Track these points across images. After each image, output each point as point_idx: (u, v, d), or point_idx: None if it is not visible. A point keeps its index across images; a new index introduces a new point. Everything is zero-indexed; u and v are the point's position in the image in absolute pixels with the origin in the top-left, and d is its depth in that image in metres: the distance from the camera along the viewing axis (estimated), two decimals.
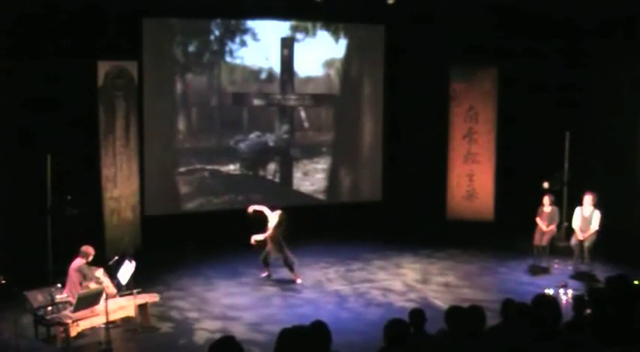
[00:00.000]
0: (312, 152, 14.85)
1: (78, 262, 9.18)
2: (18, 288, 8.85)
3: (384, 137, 15.10)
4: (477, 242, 13.47)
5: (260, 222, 11.35)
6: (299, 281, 11.24)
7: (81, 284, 9.09)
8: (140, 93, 12.68)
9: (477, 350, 5.46)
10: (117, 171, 12.29)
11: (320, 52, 14.48)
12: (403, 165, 14.82)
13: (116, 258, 9.58)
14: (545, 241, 12.06)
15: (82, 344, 8.75)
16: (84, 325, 8.76)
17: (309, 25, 14.35)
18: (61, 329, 8.62)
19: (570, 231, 12.07)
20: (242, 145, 14.22)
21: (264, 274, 11.49)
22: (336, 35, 14.59)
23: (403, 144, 14.83)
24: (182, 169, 13.77)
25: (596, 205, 11.70)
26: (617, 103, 13.57)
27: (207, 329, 9.37)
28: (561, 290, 10.54)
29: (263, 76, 14.24)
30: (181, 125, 13.76)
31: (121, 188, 12.36)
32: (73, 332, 8.61)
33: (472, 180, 14.82)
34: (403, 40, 14.45)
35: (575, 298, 6.72)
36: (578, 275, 11.53)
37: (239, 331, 9.08)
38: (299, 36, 14.32)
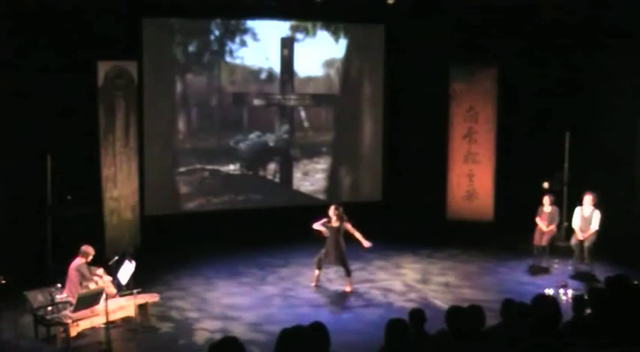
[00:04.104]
0: (312, 152, 14.85)
1: (77, 262, 9.18)
2: (18, 288, 8.85)
3: (384, 137, 15.11)
4: (477, 242, 13.47)
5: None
6: (348, 289, 10.95)
7: (81, 284, 9.09)
8: (140, 93, 12.68)
9: (477, 350, 5.46)
10: (117, 171, 12.29)
11: (320, 52, 14.48)
12: (403, 165, 14.83)
13: (116, 258, 9.59)
14: (545, 241, 12.06)
15: (82, 344, 8.75)
16: (84, 325, 8.77)
17: (309, 25, 14.35)
18: (61, 329, 8.63)
19: (570, 231, 12.07)
20: (242, 145, 14.22)
21: (313, 283, 11.11)
22: (336, 35, 14.59)
23: (403, 144, 14.83)
24: (182, 169, 13.77)
25: (596, 205, 11.70)
26: (617, 103, 13.56)
27: (207, 329, 9.37)
28: (561, 290, 10.53)
29: (263, 76, 14.24)
30: (181, 125, 13.76)
31: (121, 188, 12.36)
32: (73, 332, 8.61)
33: (472, 180, 14.82)
34: (403, 40, 14.45)
35: (575, 298, 6.72)
36: (578, 275, 11.53)
37: (239, 331, 9.08)
38: (299, 36, 14.33)
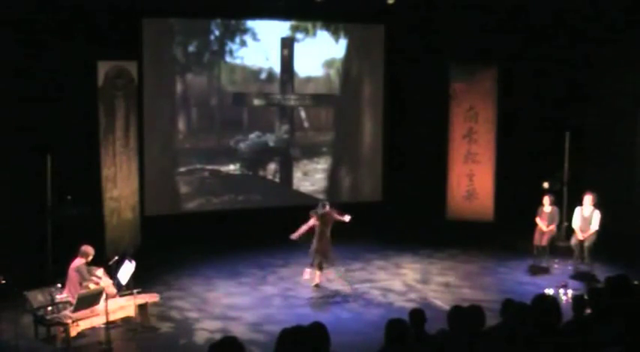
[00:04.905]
0: (312, 152, 14.85)
1: (77, 262, 9.17)
2: (18, 288, 8.85)
3: (384, 137, 15.10)
4: (477, 242, 13.47)
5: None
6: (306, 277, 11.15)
7: (80, 284, 9.09)
8: (140, 93, 12.68)
9: (477, 350, 5.46)
10: (117, 171, 12.28)
11: (320, 52, 14.49)
12: (403, 165, 14.82)
13: (116, 258, 9.58)
14: (545, 241, 12.06)
15: (82, 344, 8.75)
16: (84, 325, 8.77)
17: (309, 25, 14.36)
18: (61, 329, 8.63)
19: (570, 231, 12.07)
20: (242, 145, 14.22)
21: (313, 283, 11.14)
22: (336, 35, 14.60)
23: (403, 144, 14.83)
24: (182, 169, 13.77)
25: (596, 205, 11.70)
26: (617, 103, 13.57)
27: (207, 329, 9.38)
28: (561, 290, 10.54)
29: (263, 76, 14.24)
30: (181, 125, 13.76)
31: (121, 188, 12.35)
32: (73, 332, 8.61)
33: (472, 180, 14.82)
34: (403, 40, 14.45)
35: (575, 298, 6.72)
36: (578, 275, 11.53)
37: (239, 331, 9.09)
38: (299, 36, 14.33)
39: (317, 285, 11.08)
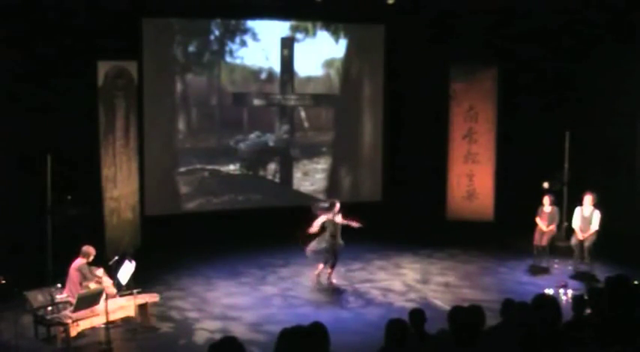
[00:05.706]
0: (312, 152, 14.85)
1: (78, 262, 9.19)
2: (18, 288, 8.85)
3: (384, 137, 15.10)
4: (477, 242, 13.47)
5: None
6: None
7: (81, 284, 9.09)
8: (140, 93, 12.68)
9: (477, 351, 5.46)
10: (117, 171, 12.28)
11: (320, 52, 14.48)
12: (403, 165, 14.82)
13: (116, 258, 9.58)
14: (545, 241, 12.07)
15: (82, 344, 8.75)
16: (84, 325, 8.77)
17: (309, 25, 14.36)
18: (61, 329, 8.63)
19: (570, 231, 12.08)
20: (242, 145, 14.22)
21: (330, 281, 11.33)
22: (336, 35, 14.60)
23: (403, 144, 14.83)
24: (182, 169, 13.77)
25: (596, 205, 11.70)
26: (617, 103, 13.56)
27: (207, 329, 9.38)
28: (561, 290, 10.54)
29: (263, 76, 14.24)
30: (181, 125, 13.76)
31: (121, 188, 12.36)
32: (73, 332, 8.62)
33: (472, 180, 14.82)
34: (403, 40, 14.45)
35: (575, 298, 6.72)
36: (578, 275, 11.54)
37: (239, 331, 9.09)
38: (299, 36, 14.33)
39: (331, 283, 11.23)
